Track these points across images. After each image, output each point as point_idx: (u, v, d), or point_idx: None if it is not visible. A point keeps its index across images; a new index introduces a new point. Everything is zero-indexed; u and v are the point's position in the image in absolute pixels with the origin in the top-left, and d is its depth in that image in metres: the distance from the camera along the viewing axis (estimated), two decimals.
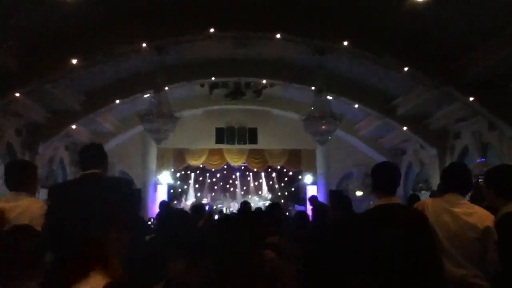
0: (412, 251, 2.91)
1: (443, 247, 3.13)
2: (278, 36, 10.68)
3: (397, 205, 3.20)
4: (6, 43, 8.78)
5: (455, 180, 3.37)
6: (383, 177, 3.29)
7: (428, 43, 9.82)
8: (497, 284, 3.02)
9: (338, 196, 6.02)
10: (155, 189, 18.15)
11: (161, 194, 18.20)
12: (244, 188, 20.30)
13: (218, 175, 20.12)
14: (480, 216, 3.17)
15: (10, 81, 9.92)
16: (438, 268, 3.02)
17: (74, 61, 10.24)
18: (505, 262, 2.96)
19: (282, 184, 20.28)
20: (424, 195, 12.20)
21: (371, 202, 3.34)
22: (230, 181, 20.41)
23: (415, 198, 8.10)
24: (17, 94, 10.56)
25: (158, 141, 13.30)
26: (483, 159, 11.73)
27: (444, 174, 3.53)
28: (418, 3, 8.21)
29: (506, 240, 2.99)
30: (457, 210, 3.21)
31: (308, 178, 18.75)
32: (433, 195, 7.05)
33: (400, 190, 16.99)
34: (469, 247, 3.12)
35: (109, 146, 17.15)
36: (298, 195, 19.82)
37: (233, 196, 19.79)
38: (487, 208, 3.28)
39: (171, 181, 18.98)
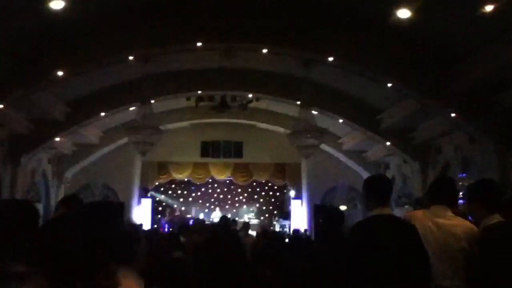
0: (407, 261, 2.97)
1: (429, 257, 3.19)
2: (265, 50, 10.81)
3: (391, 216, 3.27)
4: None
5: (441, 193, 3.48)
6: (377, 188, 3.37)
7: (412, 57, 10.03)
8: None
9: (329, 210, 5.84)
10: (139, 202, 17.97)
11: (146, 207, 18.05)
12: (229, 202, 20.23)
13: (203, 188, 20.02)
14: (464, 228, 3.26)
15: None
16: (429, 279, 3.07)
17: (60, 73, 10.20)
18: (487, 273, 3.02)
19: (267, 198, 20.28)
20: (407, 210, 12.29)
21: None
22: (215, 195, 20.32)
23: None
24: (0, 106, 10.42)
25: (143, 153, 13.23)
26: (464, 174, 11.91)
27: (431, 188, 3.67)
28: (402, 18, 8.40)
29: (488, 252, 3.06)
30: (442, 221, 3.29)
31: (292, 192, 18.80)
32: (416, 203, 7.14)
33: None
34: (453, 257, 3.19)
35: (93, 158, 17.05)
36: (283, 209, 19.84)
37: (219, 208, 19.65)
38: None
39: (156, 194, 18.85)
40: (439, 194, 3.48)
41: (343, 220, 4.62)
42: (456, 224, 3.29)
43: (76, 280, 1.43)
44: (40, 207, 15.68)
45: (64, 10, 8.20)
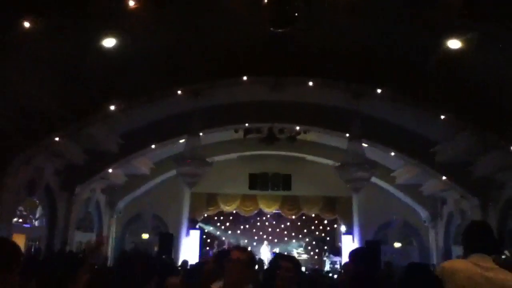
0: None
1: None
2: (311, 83, 10.72)
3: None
4: (48, 86, 9.17)
5: (482, 240, 3.14)
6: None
7: (466, 89, 9.55)
8: None
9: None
10: (188, 234, 18.03)
11: (194, 239, 18.07)
12: (277, 235, 19.86)
13: (251, 221, 19.81)
14: None
15: (51, 123, 10.28)
16: None
17: (112, 107, 10.60)
18: None
19: (317, 233, 19.73)
20: None
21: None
22: (263, 228, 20.03)
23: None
24: (57, 138, 10.92)
25: (190, 185, 13.33)
26: None
27: (468, 233, 3.28)
28: (453, 50, 8.06)
29: None
30: (492, 274, 2.93)
31: (343, 227, 18.18)
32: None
33: (440, 243, 16.24)
34: None
35: (144, 188, 17.40)
36: (333, 244, 19.19)
37: (267, 242, 19.32)
38: None
39: (204, 226, 18.88)
40: (480, 240, 3.12)
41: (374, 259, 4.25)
42: (509, 279, 2.91)
43: None
44: (92, 236, 16.12)
45: (115, 47, 8.58)
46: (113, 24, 7.96)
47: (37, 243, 13.45)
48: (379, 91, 10.26)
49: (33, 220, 13.83)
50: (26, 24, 7.19)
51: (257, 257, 13.15)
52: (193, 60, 10.02)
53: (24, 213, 13.50)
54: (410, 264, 3.18)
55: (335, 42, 9.51)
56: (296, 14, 6.85)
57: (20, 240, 12.24)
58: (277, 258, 3.73)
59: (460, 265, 3.13)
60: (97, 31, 8.17)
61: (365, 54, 9.58)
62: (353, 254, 4.22)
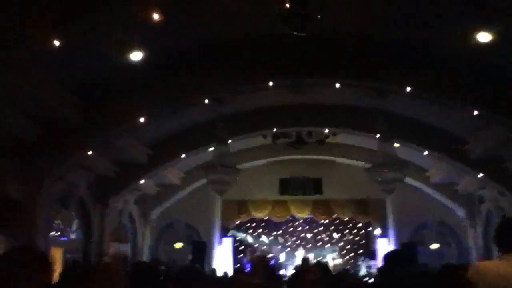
0: None
1: None
2: (338, 84, 10.57)
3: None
4: (71, 98, 9.40)
5: None
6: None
7: (496, 82, 9.23)
8: None
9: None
10: (220, 242, 18.07)
11: (227, 247, 18.10)
12: (311, 240, 19.63)
13: (284, 227, 19.67)
14: None
15: (78, 137, 10.49)
16: None
17: (140, 118, 10.74)
18: None
19: (351, 236, 19.40)
20: None
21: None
22: (296, 233, 19.84)
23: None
24: (89, 153, 11.15)
25: (221, 193, 13.37)
26: None
27: (502, 230, 3.07)
28: (482, 42, 7.77)
29: None
30: None
31: (378, 230, 17.83)
32: None
33: (479, 242, 15.69)
34: None
35: (175, 199, 17.57)
36: (368, 248, 18.83)
37: (302, 248, 19.12)
38: None
39: (236, 233, 18.88)
40: (510, 238, 2.92)
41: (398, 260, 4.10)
42: None
43: None
44: (127, 247, 16.36)
45: (142, 60, 8.69)
46: (136, 36, 8.07)
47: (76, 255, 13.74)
48: (408, 89, 10.00)
49: (70, 233, 14.17)
50: (56, 42, 7.35)
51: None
52: (217, 68, 10.05)
53: (61, 226, 13.86)
54: (443, 265, 3.06)
55: (356, 41, 9.36)
56: (318, 16, 6.78)
57: (57, 253, 12.56)
58: (303, 262, 3.72)
59: (493, 265, 2.97)
60: (122, 44, 8.30)
61: (389, 51, 9.38)
62: (386, 256, 4.13)
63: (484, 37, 7.67)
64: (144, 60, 8.62)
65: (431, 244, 17.07)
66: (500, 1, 7.20)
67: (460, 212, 16.68)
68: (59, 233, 13.80)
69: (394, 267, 4.06)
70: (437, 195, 16.76)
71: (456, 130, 12.57)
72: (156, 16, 7.42)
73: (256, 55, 9.86)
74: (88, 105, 10.01)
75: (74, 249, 13.89)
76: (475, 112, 10.26)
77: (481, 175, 13.20)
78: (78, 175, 12.38)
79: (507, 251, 2.89)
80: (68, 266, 11.81)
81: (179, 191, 17.33)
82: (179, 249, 17.58)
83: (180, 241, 17.73)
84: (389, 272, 4.00)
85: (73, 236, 14.21)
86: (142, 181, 14.67)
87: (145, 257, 17.31)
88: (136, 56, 8.68)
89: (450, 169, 14.45)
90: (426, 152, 13.72)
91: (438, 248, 17.08)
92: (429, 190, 16.75)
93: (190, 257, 16.24)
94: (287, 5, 6.77)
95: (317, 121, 13.51)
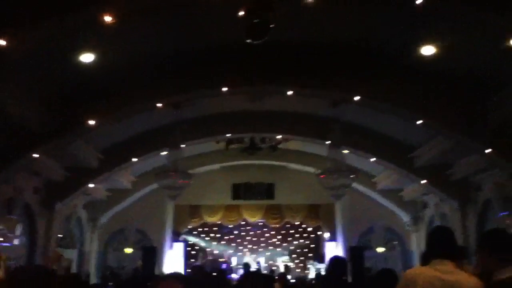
0: None
1: None
2: (290, 92, 10.80)
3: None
4: (27, 101, 9.09)
5: (441, 245, 3.22)
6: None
7: (441, 93, 9.78)
8: None
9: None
10: (171, 246, 17.90)
11: (178, 251, 17.96)
12: (262, 244, 19.87)
13: (236, 231, 19.78)
14: (470, 284, 2.97)
15: (29, 140, 10.15)
16: None
17: (92, 122, 10.49)
18: None
19: (302, 240, 19.78)
20: None
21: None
22: (248, 238, 20.01)
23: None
24: (37, 155, 10.76)
25: (173, 198, 13.28)
26: (506, 212, 11.25)
27: (429, 239, 3.39)
28: (426, 55, 8.24)
29: None
30: (445, 276, 3.02)
31: (327, 234, 18.28)
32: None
33: (422, 246, 16.43)
34: None
35: (126, 203, 17.24)
36: (318, 252, 19.27)
37: (250, 252, 19.31)
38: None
39: (188, 238, 18.77)
40: (439, 245, 3.22)
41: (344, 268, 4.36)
42: (461, 279, 2.99)
43: None
44: (74, 253, 15.88)
45: (94, 62, 8.54)
46: (90, 38, 7.93)
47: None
48: (356, 98, 10.38)
49: (13, 239, 13.54)
50: (2, 42, 7.11)
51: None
52: (172, 73, 10.03)
53: (5, 232, 13.23)
54: (380, 270, 3.28)
55: (308, 50, 9.61)
56: (272, 25, 6.94)
57: None
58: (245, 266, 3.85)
59: (420, 271, 3.22)
60: (75, 46, 8.13)
61: (339, 61, 9.72)
62: (329, 261, 4.35)
63: (428, 50, 8.14)
64: (97, 65, 8.51)
65: (377, 248, 17.70)
66: (445, 17, 7.64)
67: (405, 217, 17.41)
68: (1, 239, 13.18)
69: (334, 273, 4.31)
70: (383, 201, 17.39)
71: (404, 139, 13.14)
72: (109, 19, 7.34)
73: (211, 62, 9.91)
74: (40, 108, 9.69)
75: (17, 256, 13.31)
76: (419, 122, 10.77)
77: (424, 181, 13.86)
78: (25, 179, 11.93)
79: (437, 257, 3.15)
80: (10, 272, 11.34)
81: (130, 196, 17.03)
82: (129, 255, 17.26)
83: (130, 247, 17.40)
84: (327, 279, 4.25)
85: (16, 242, 13.61)
86: (92, 185, 14.31)
87: (93, 263, 16.88)
88: (87, 58, 8.56)
89: (396, 176, 15.08)
90: (373, 159, 14.23)
91: (384, 252, 17.74)
92: (376, 196, 17.37)
93: (140, 262, 15.96)
94: (242, 13, 6.90)
95: (270, 127, 13.69)
